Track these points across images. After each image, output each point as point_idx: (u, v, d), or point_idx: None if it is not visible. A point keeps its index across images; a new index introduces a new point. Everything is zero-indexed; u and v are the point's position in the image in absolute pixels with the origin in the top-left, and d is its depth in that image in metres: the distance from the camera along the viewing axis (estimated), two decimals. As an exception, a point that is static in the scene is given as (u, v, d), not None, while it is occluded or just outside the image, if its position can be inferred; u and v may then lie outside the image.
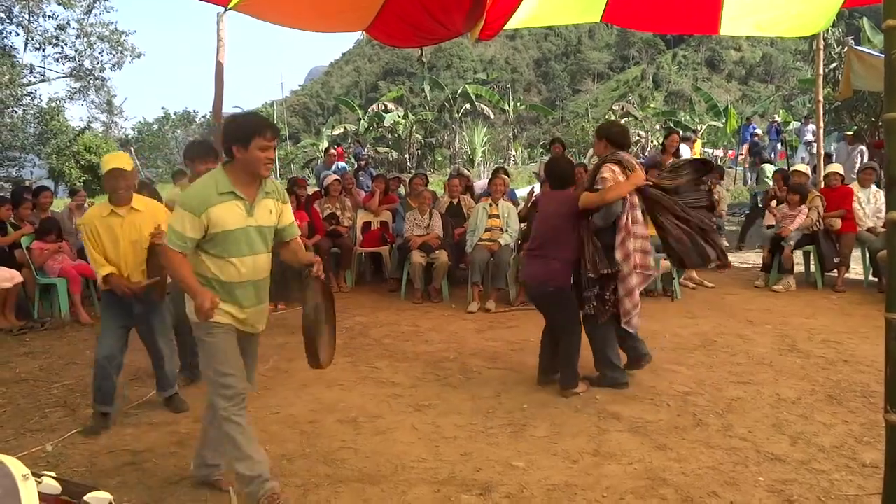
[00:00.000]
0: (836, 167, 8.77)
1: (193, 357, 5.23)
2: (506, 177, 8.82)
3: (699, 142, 21.43)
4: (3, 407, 4.81)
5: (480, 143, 34.28)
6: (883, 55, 2.24)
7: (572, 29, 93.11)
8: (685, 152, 11.71)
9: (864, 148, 14.08)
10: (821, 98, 9.50)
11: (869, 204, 8.29)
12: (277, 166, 33.68)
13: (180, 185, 5.29)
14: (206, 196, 3.06)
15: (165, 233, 3.14)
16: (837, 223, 8.15)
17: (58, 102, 24.34)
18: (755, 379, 5.00)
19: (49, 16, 20.36)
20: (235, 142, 3.05)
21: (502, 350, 5.84)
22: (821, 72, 9.53)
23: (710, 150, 24.50)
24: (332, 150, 14.01)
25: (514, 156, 40.32)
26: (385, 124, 33.68)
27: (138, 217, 4.37)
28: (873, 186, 8.44)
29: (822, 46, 9.50)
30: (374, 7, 7.52)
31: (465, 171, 11.11)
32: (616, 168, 4.68)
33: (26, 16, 19.90)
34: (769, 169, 13.26)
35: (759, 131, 20.11)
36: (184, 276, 3.07)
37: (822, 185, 8.83)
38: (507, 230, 7.81)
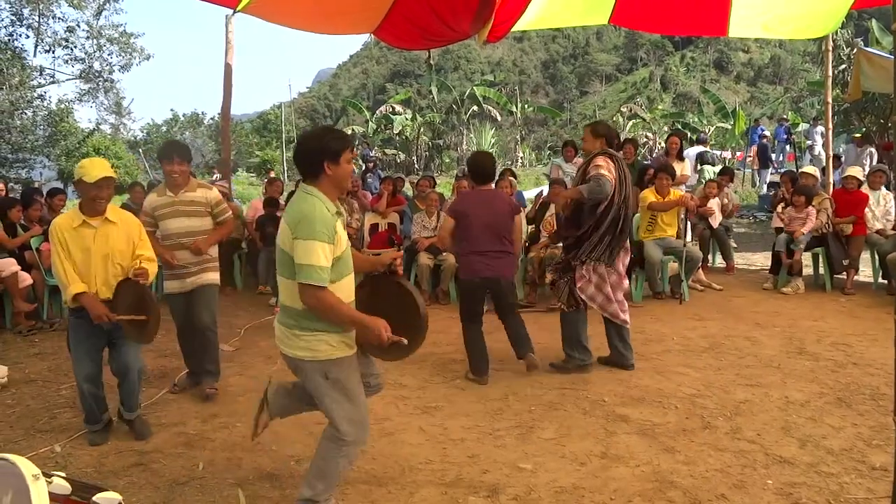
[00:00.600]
0: (856, 171, 8.61)
1: (200, 363, 5.06)
2: (512, 178, 8.81)
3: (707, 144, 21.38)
4: (12, 407, 4.84)
5: (488, 144, 34.31)
6: (892, 56, 2.24)
7: (580, 31, 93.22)
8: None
9: (873, 150, 14.01)
10: (830, 100, 9.45)
11: (878, 206, 8.24)
12: (285, 168, 33.78)
13: (156, 192, 4.89)
14: (330, 220, 2.91)
15: (303, 269, 2.81)
16: (849, 228, 8.09)
17: (67, 104, 24.43)
18: (763, 381, 4.98)
19: (59, 18, 20.45)
20: (327, 158, 2.96)
21: (509, 352, 5.80)
22: (830, 73, 9.48)
23: (718, 152, 24.44)
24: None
25: (521, 157, 40.37)
26: (393, 126, 33.75)
27: (113, 229, 4.08)
28: (883, 189, 8.39)
29: (830, 48, 9.46)
30: (383, 9, 7.55)
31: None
32: (609, 160, 5.06)
33: (36, 18, 19.99)
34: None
35: (767, 133, 20.03)
36: (348, 313, 2.92)
37: (834, 188, 8.79)
38: (514, 232, 7.80)
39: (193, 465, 3.78)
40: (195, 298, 4.90)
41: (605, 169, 4.93)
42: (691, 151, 13.97)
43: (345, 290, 3.03)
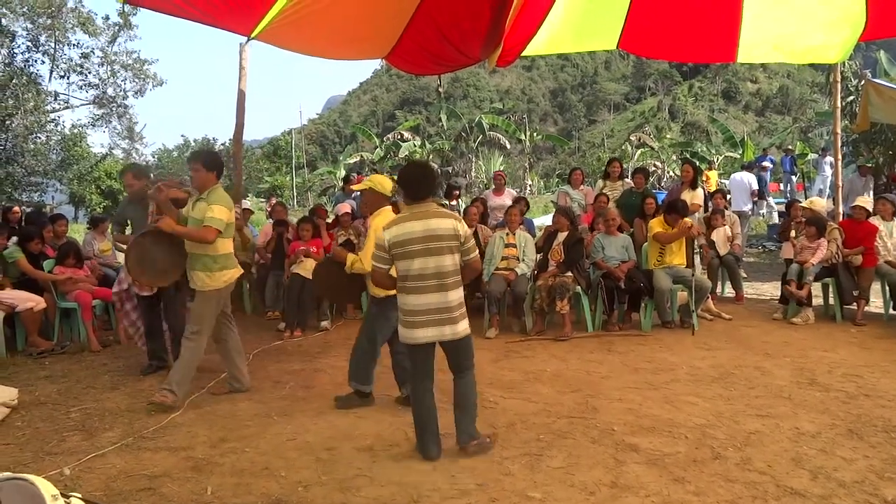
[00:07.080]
0: (864, 201, 8.57)
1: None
2: (522, 206, 8.86)
3: (715, 172, 21.39)
4: (21, 430, 4.84)
5: (496, 172, 34.45)
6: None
7: (588, 59, 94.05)
8: (749, 180, 12.22)
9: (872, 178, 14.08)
10: (838, 130, 9.49)
11: (891, 238, 8.15)
12: (294, 193, 33.95)
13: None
14: None
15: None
16: (858, 259, 8.03)
17: (80, 129, 24.71)
18: (774, 412, 4.95)
19: (74, 44, 20.74)
20: None
21: (518, 379, 5.82)
22: (838, 104, 9.53)
23: (726, 182, 24.49)
24: (353, 178, 14.07)
25: (530, 185, 40.51)
26: (401, 153, 33.95)
27: None
28: (895, 220, 8.30)
29: (839, 79, 9.51)
30: (394, 35, 7.65)
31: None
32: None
33: (52, 44, 20.27)
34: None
35: (766, 164, 19.89)
36: None
37: (842, 217, 8.77)
38: (523, 259, 7.82)
39: (202, 489, 3.77)
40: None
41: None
42: (744, 178, 14.04)
43: None
